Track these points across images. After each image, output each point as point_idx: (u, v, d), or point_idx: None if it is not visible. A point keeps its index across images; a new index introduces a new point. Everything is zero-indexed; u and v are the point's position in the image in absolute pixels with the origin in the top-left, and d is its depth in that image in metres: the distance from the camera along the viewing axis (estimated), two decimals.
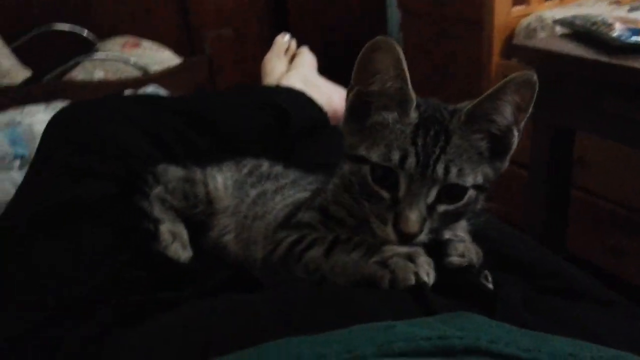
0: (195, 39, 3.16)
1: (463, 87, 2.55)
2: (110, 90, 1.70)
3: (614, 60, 1.30)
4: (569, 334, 0.49)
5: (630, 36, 1.34)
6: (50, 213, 0.83)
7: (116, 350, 0.60)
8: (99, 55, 2.18)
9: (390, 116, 0.68)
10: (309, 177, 0.95)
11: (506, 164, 0.71)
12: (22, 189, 0.94)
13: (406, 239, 0.65)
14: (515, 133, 0.68)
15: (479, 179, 0.67)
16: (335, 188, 0.77)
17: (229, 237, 0.88)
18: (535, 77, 0.64)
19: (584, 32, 1.48)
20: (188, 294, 0.68)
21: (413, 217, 0.64)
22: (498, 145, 0.68)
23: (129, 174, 0.92)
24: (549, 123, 1.58)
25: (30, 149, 1.35)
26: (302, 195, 0.86)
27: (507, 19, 2.31)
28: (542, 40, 1.91)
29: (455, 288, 0.63)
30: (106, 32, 2.69)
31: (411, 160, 0.64)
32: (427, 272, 0.62)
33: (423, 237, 0.66)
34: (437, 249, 0.67)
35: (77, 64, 2.03)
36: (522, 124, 0.68)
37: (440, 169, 0.64)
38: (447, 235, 0.71)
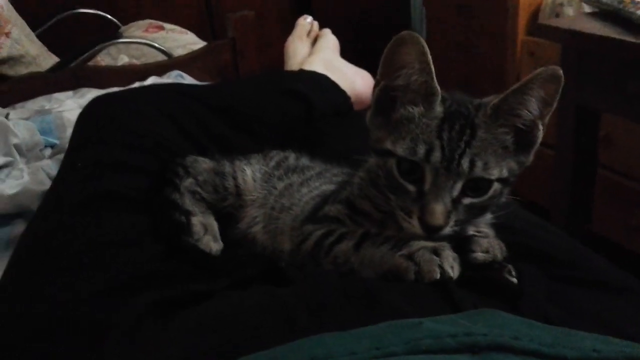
0: (216, 21, 3.15)
1: (486, 64, 2.52)
2: (135, 76, 1.71)
3: None
4: (591, 327, 0.50)
5: None
6: (88, 202, 0.84)
7: (149, 343, 0.60)
8: (123, 39, 2.19)
9: (416, 110, 0.69)
10: (334, 168, 0.96)
11: (531, 157, 0.71)
12: (57, 183, 0.96)
13: (431, 231, 0.67)
14: (540, 127, 0.69)
15: (504, 173, 0.68)
16: (361, 181, 0.78)
17: (257, 228, 0.90)
18: (560, 72, 0.65)
19: (611, 11, 1.45)
20: (220, 287, 0.70)
21: (438, 210, 0.66)
22: (523, 139, 0.69)
23: (161, 167, 0.94)
24: (575, 103, 1.56)
25: (60, 138, 1.37)
26: (328, 187, 0.88)
27: None
28: (567, 19, 1.87)
29: (480, 283, 0.65)
30: (130, 16, 2.70)
31: (437, 154, 0.66)
32: (451, 265, 0.63)
33: (448, 229, 0.67)
34: (461, 245, 0.68)
35: (102, 49, 2.05)
36: (547, 117, 0.69)
37: (465, 163, 0.65)
38: (470, 231, 0.72)
